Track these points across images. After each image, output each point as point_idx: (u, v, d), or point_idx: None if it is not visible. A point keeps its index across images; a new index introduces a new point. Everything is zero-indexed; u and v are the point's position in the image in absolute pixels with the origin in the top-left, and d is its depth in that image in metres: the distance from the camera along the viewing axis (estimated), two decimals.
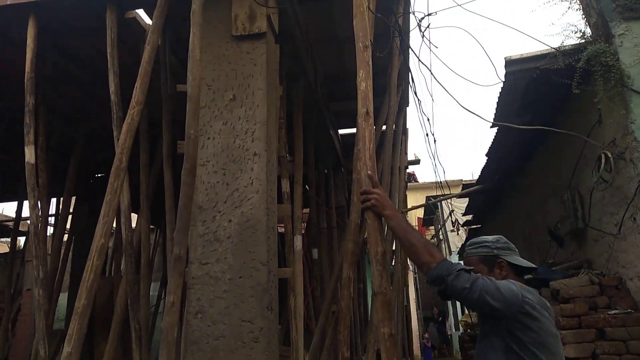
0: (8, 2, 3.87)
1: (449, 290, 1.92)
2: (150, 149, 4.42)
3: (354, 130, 8.34)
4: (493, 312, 1.87)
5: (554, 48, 4.40)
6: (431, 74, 3.33)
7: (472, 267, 1.99)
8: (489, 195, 9.27)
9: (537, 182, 7.16)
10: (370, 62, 2.47)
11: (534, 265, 2.10)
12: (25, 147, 3.49)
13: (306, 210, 7.57)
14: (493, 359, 1.89)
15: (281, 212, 3.96)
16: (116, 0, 3.77)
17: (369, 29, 2.59)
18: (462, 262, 2.09)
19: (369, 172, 2.25)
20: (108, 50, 3.56)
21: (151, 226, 7.25)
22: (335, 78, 6.21)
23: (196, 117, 2.54)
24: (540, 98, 5.27)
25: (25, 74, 3.66)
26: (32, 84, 3.64)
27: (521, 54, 4.39)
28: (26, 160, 3.43)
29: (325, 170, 7.89)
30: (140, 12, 4.33)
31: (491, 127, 5.45)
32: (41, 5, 3.86)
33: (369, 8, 2.73)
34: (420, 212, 17.26)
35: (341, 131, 7.94)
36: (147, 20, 4.37)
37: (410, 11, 4.09)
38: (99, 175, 7.84)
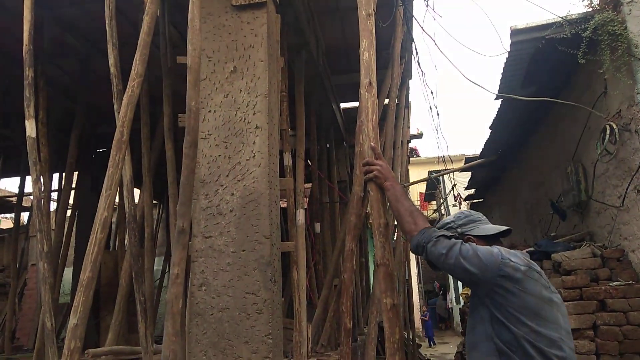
0: None
1: (430, 257, 1.91)
2: (151, 123, 4.39)
3: (356, 104, 8.27)
4: (470, 277, 1.81)
5: (560, 17, 4.31)
6: (435, 44, 3.26)
7: (453, 234, 1.96)
8: (491, 169, 9.24)
9: (540, 155, 7.12)
10: (374, 31, 2.42)
11: (505, 227, 2.02)
12: (26, 121, 3.46)
13: (308, 185, 7.58)
14: (481, 331, 1.82)
15: (283, 186, 3.95)
16: None
17: None
18: (446, 230, 2.04)
19: (372, 143, 2.23)
20: (106, 22, 3.49)
21: (154, 201, 7.27)
22: (337, 50, 6.12)
23: (197, 88, 2.50)
24: (546, 69, 5.19)
25: (24, 47, 3.60)
26: (30, 57, 3.58)
27: (527, 23, 4.30)
28: (27, 134, 3.41)
29: (327, 145, 7.85)
30: None
31: (495, 98, 5.39)
32: None
33: None
34: (422, 187, 17.26)
35: (343, 105, 7.87)
36: None
37: None
38: (101, 150, 7.82)
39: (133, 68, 2.92)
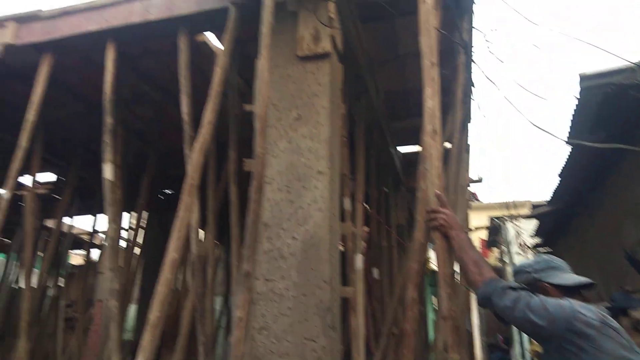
0: (90, 29, 4.17)
1: (496, 309, 1.82)
2: (216, 167, 4.57)
3: (414, 147, 8.24)
4: (538, 331, 1.70)
5: (633, 62, 4.17)
6: (499, 90, 3.24)
7: (519, 285, 1.87)
8: (559, 217, 8.83)
9: (613, 203, 6.74)
10: (438, 80, 2.44)
11: (586, 281, 1.86)
12: (104, 165, 3.70)
13: (366, 229, 7.52)
14: None
15: (343, 231, 3.96)
16: (188, 24, 3.96)
17: (435, 46, 2.57)
18: (514, 280, 1.95)
19: (437, 191, 2.21)
20: (180, 73, 3.73)
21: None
22: (396, 95, 6.18)
23: (264, 136, 2.61)
24: (616, 115, 4.99)
25: (106, 96, 3.90)
26: (111, 106, 3.87)
27: (596, 70, 4.19)
28: (105, 177, 3.64)
29: (385, 188, 7.82)
30: (209, 35, 4.55)
31: (565, 144, 5.22)
32: (120, 30, 4.12)
33: (434, 26, 2.71)
34: (483, 233, 16.68)
35: (400, 148, 7.87)
36: (216, 42, 4.57)
37: (475, 27, 4.02)
38: (168, 191, 8.19)
39: (205, 116, 3.09)
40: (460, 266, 2.08)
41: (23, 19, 4.34)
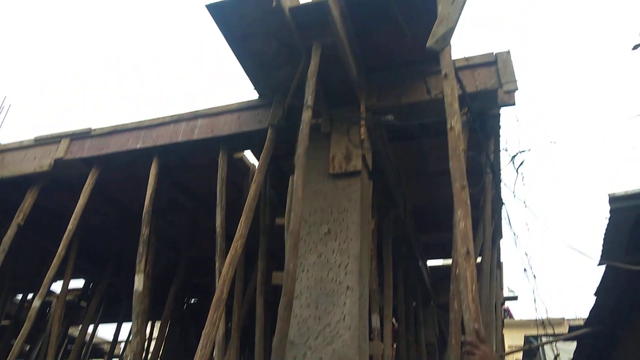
0: (137, 147, 4.47)
1: None
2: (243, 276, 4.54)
3: (442, 261, 8.09)
4: None
5: None
6: (529, 210, 3.25)
7: None
8: (600, 339, 8.26)
9: None
10: (469, 202, 2.48)
11: None
12: (136, 275, 3.74)
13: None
14: None
15: (372, 351, 3.79)
16: (227, 143, 4.21)
17: (464, 170, 2.65)
18: None
19: (476, 325, 2.13)
20: (218, 187, 3.89)
21: None
22: (424, 210, 6.23)
23: (296, 251, 2.63)
24: None
25: (144, 208, 4.06)
26: (149, 217, 4.01)
27: (626, 191, 4.20)
28: (135, 287, 3.67)
29: (414, 303, 7.56)
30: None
31: (598, 264, 5.06)
32: (164, 148, 4.41)
33: (463, 150, 2.82)
34: (517, 353, 15.60)
35: (429, 262, 7.74)
36: (251, 158, 4.81)
37: (503, 148, 4.15)
38: (191, 299, 8.09)
39: (238, 230, 3.16)
40: None
41: (76, 136, 4.70)
